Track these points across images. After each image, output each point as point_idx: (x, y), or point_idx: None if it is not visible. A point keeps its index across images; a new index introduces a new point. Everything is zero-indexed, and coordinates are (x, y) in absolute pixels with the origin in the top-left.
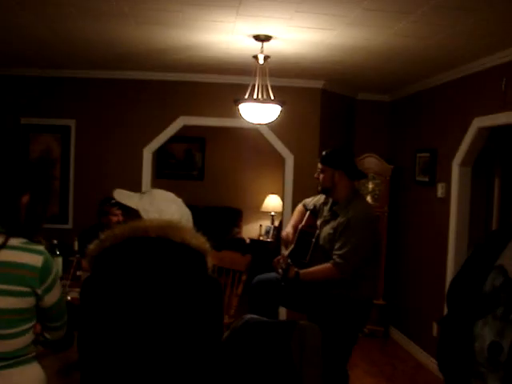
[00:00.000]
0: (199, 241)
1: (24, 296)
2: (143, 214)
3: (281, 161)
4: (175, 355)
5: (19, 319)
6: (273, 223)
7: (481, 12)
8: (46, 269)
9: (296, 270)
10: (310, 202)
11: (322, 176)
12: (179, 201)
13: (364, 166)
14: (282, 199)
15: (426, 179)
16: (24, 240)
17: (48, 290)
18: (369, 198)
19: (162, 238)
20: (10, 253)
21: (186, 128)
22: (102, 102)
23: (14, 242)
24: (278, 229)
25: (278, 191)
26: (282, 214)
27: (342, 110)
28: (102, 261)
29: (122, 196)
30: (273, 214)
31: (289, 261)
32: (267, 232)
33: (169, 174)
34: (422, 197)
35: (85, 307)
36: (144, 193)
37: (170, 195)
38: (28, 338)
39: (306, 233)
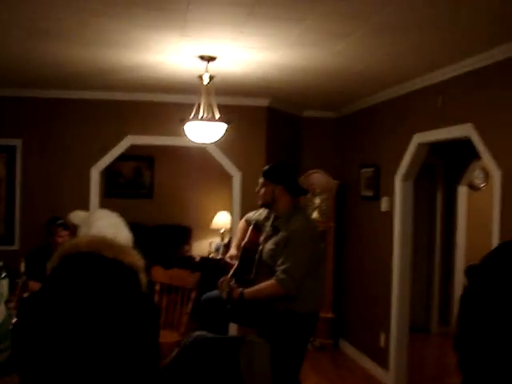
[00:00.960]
0: (133, 258)
1: None
2: (78, 231)
3: (229, 178)
4: (111, 372)
5: None
6: (222, 240)
7: (417, 33)
8: None
9: (240, 290)
10: (253, 216)
11: (262, 190)
12: (120, 222)
13: (310, 182)
14: (231, 216)
15: (371, 194)
16: None
17: None
18: (316, 213)
19: (94, 254)
20: None
21: (134, 147)
22: (48, 122)
23: None
24: (228, 245)
25: (228, 208)
26: (231, 230)
27: (288, 128)
28: (46, 281)
29: (74, 215)
30: (222, 230)
31: (232, 282)
32: (217, 249)
33: (118, 192)
34: (367, 211)
35: (20, 328)
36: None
37: (112, 216)
38: None
39: (248, 250)
